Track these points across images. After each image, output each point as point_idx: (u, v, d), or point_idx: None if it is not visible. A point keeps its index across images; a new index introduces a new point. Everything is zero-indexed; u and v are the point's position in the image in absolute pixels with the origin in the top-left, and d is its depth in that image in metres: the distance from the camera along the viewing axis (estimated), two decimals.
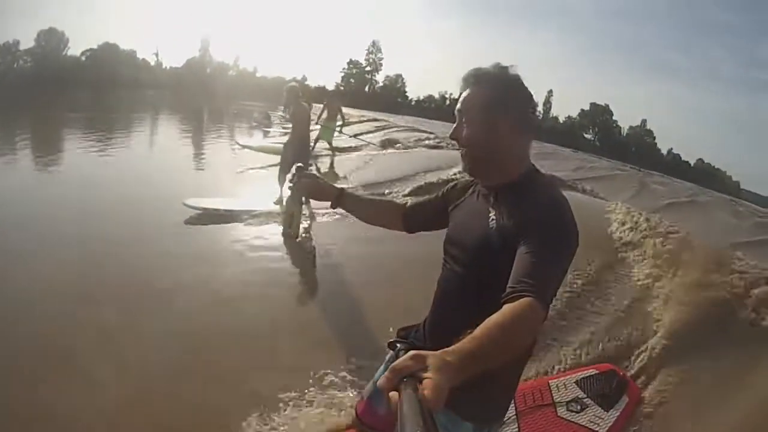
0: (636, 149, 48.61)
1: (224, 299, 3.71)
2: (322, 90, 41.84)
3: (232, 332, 3.28)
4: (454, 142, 1.35)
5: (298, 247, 4.86)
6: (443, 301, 1.42)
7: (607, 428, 2.58)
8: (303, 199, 1.66)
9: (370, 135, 14.28)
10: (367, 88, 53.65)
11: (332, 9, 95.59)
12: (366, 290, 4.08)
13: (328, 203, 1.63)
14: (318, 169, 9.35)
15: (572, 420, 2.59)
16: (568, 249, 1.15)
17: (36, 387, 2.56)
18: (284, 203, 5.59)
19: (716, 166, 52.09)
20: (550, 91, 54.60)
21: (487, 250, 1.22)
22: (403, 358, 0.76)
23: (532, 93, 1.29)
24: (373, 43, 55.13)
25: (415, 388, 0.71)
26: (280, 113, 16.98)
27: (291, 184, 1.68)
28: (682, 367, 3.18)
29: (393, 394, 0.72)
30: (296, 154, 5.64)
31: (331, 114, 10.64)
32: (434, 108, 49.06)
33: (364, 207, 1.72)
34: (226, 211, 5.58)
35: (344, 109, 11.75)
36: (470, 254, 1.29)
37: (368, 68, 55.26)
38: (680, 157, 51.82)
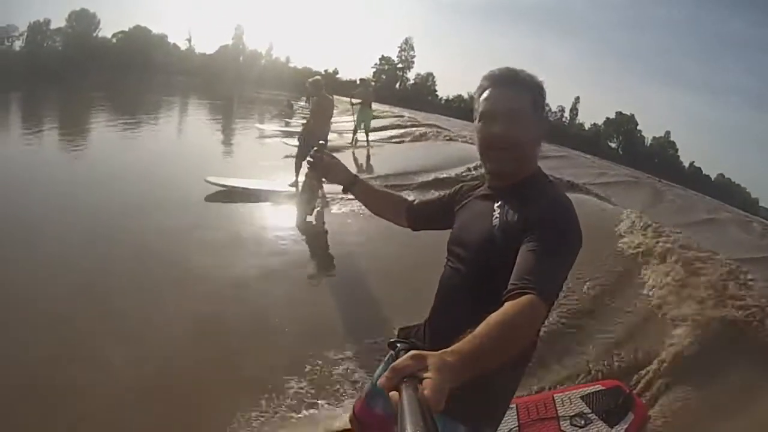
0: (658, 160, 47.84)
1: (238, 278, 4.04)
2: (353, 83, 43.39)
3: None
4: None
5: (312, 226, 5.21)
6: (445, 299, 1.42)
7: None
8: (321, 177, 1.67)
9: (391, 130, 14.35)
10: (398, 85, 53.41)
11: (368, 4, 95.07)
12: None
13: (341, 186, 1.67)
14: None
15: None
16: (572, 248, 1.15)
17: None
18: (300, 187, 5.92)
19: (736, 182, 51.27)
20: (577, 98, 54.63)
21: (490, 248, 1.23)
22: (403, 358, 0.76)
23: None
24: (406, 41, 55.32)
25: (416, 388, 0.70)
26: (303, 103, 17.07)
27: (312, 160, 1.67)
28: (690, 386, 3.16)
29: (393, 394, 0.72)
30: (315, 142, 5.64)
31: (365, 102, 10.80)
32: (463, 108, 49.07)
33: (373, 197, 1.73)
34: (244, 189, 6.09)
35: (375, 105, 11.97)
36: (473, 253, 1.30)
37: (400, 65, 55.13)
38: (701, 171, 51.10)
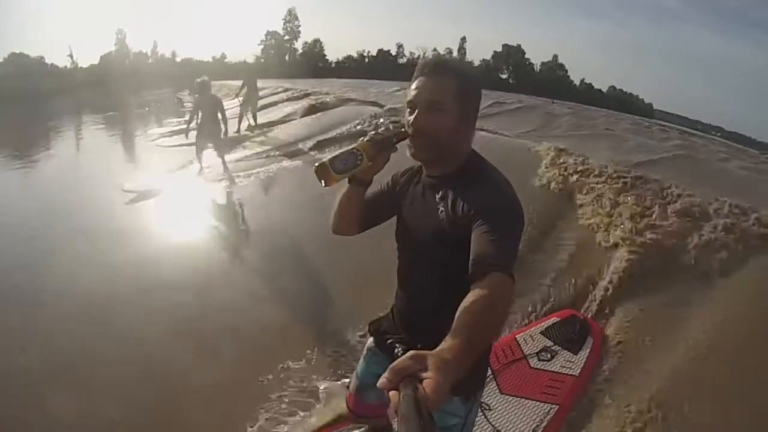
0: (550, 83, 50.23)
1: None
2: (243, 65, 42.71)
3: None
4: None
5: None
6: (410, 292, 1.46)
7: (579, 369, 2.74)
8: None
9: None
10: (287, 57, 52.39)
11: None
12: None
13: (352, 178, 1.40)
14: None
15: (546, 368, 2.74)
16: (519, 225, 1.19)
17: None
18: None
19: (628, 91, 55.15)
20: (464, 38, 55.63)
21: (442, 241, 1.25)
22: (403, 358, 0.76)
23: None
24: (289, 11, 54.01)
25: (415, 388, 0.71)
26: (191, 97, 16.45)
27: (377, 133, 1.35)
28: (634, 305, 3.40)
29: (393, 394, 0.72)
30: (210, 133, 6.71)
31: (250, 87, 10.70)
32: (354, 67, 48.85)
33: (359, 203, 1.45)
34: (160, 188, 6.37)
35: (265, 81, 11.68)
36: (427, 247, 1.31)
37: (286, 37, 54.04)
38: (593, 86, 54.31)
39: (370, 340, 1.63)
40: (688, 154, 10.32)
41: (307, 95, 14.29)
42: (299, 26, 53.98)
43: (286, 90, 16.09)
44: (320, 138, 8.58)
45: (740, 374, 2.77)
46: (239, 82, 11.01)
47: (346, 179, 1.33)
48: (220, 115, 6.66)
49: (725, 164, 10.59)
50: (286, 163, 7.70)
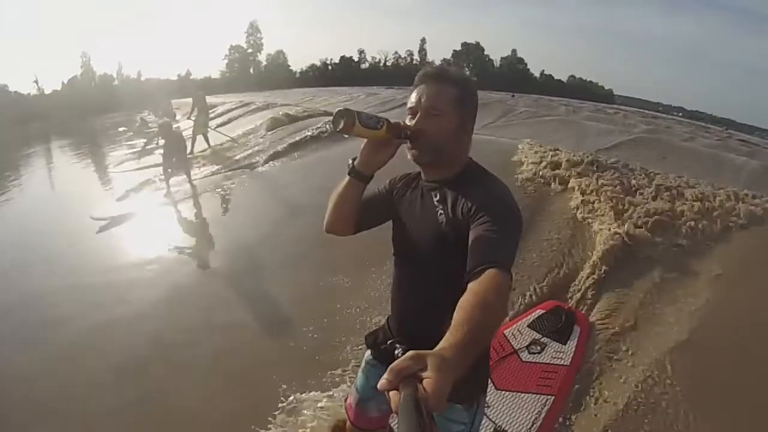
0: (510, 77, 51.00)
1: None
2: (208, 80, 42.50)
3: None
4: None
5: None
6: (409, 300, 1.45)
7: (570, 359, 2.79)
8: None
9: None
10: (252, 70, 52.26)
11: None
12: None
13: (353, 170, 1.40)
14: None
15: (537, 361, 2.77)
16: (517, 224, 1.21)
17: None
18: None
19: (588, 79, 56.46)
20: (423, 39, 56.51)
21: (443, 245, 1.26)
22: (402, 359, 0.76)
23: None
24: (251, 24, 54.26)
25: (415, 388, 0.71)
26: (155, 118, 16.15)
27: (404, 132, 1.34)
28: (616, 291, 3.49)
29: (394, 394, 0.72)
30: (175, 154, 6.97)
31: (201, 108, 10.49)
32: (318, 75, 48.97)
33: (357, 199, 1.44)
34: (129, 213, 6.29)
35: (230, 96, 11.50)
36: (427, 253, 1.32)
37: (250, 50, 53.88)
38: (553, 77, 55.37)
39: (368, 353, 1.62)
40: (654, 138, 10.61)
41: (265, 108, 14.33)
42: (262, 39, 54.55)
43: (245, 104, 16.00)
44: (277, 149, 8.83)
45: (725, 356, 2.87)
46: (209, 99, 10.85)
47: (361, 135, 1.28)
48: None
49: (691, 144, 10.93)
50: (246, 177, 7.78)
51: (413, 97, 1.33)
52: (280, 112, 12.17)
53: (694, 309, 3.19)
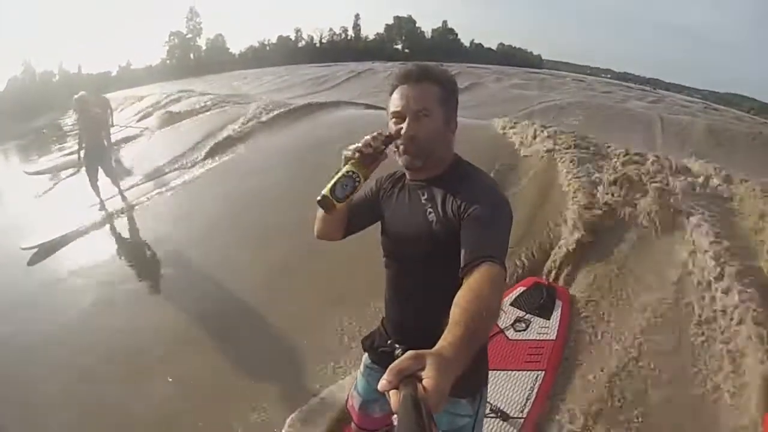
0: (441, 48, 51.31)
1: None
2: (150, 69, 40.73)
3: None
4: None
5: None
6: (404, 300, 1.45)
7: (556, 333, 2.88)
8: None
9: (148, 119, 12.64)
10: (192, 56, 50.10)
11: None
12: None
13: None
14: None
15: (523, 338, 2.85)
16: (507, 218, 1.22)
17: None
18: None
19: (517, 46, 57.62)
20: (357, 15, 55.99)
21: (434, 243, 1.26)
22: (402, 359, 0.76)
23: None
24: (191, 9, 51.40)
25: (415, 387, 0.71)
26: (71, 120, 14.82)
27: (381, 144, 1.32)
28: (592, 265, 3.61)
29: (393, 393, 0.73)
30: (98, 157, 5.98)
31: (95, 123, 9.05)
32: (258, 57, 47.48)
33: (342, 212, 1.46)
34: (62, 236, 5.43)
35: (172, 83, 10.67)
36: (419, 252, 1.31)
37: (189, 35, 51.37)
38: (483, 45, 56.22)
39: (365, 356, 1.62)
40: (594, 103, 10.91)
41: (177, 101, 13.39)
42: (201, 23, 51.78)
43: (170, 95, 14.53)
44: (213, 143, 8.24)
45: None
46: (142, 90, 9.78)
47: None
48: (104, 134, 6.05)
49: (627, 104, 11.30)
50: (179, 180, 7.07)
51: (397, 100, 1.30)
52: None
53: (669, 279, 3.34)
